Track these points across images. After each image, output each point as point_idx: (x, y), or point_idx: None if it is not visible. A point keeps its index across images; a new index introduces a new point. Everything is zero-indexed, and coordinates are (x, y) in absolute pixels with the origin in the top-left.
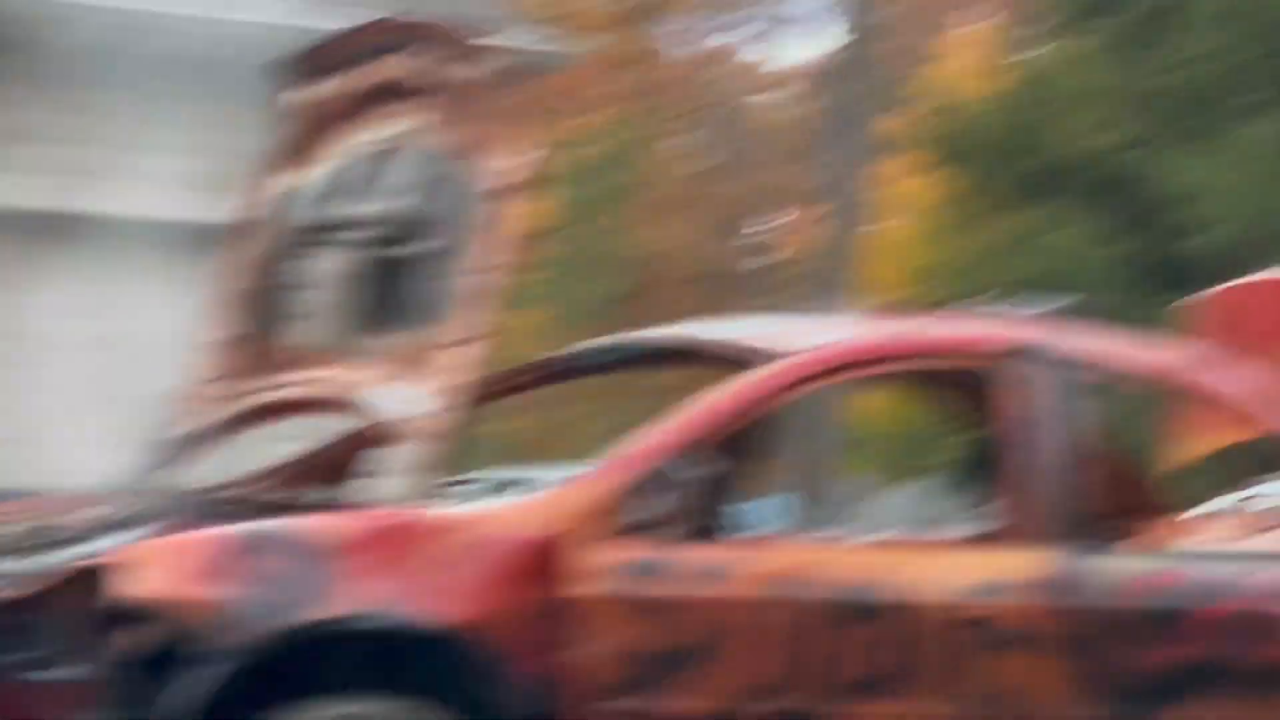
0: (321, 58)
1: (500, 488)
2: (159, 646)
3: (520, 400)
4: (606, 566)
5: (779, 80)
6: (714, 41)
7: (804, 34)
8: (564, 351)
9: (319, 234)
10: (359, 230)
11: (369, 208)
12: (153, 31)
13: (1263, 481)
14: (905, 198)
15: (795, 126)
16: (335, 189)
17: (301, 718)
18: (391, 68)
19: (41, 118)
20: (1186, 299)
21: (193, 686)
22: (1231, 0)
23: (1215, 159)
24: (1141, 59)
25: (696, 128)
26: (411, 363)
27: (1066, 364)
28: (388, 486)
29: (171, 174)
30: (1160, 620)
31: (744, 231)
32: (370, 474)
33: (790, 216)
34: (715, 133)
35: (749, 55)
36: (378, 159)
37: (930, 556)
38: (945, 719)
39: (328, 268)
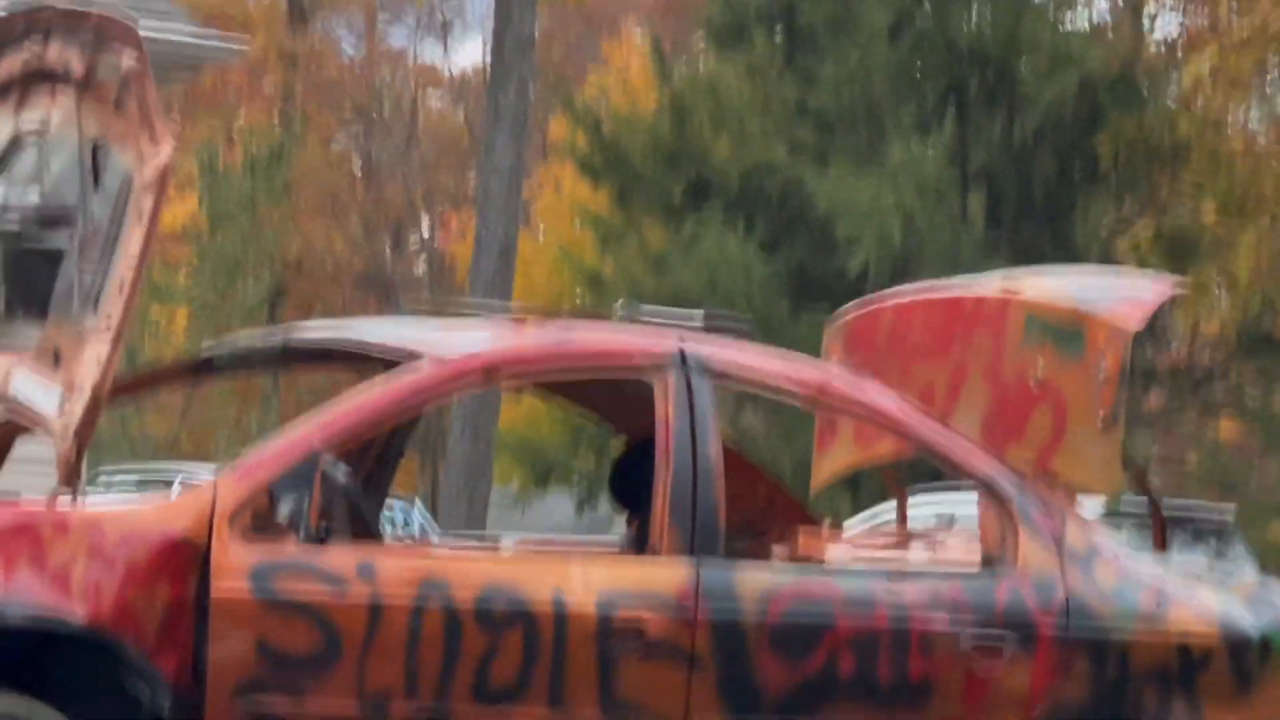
0: None
1: (141, 485)
2: None
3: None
4: (243, 565)
5: (448, 82)
6: (385, 43)
7: (471, 37)
8: (208, 346)
9: None
10: (7, 217)
11: (16, 195)
12: None
13: (923, 493)
14: (569, 204)
15: (461, 131)
16: None
17: None
18: (41, 54)
19: None
20: (830, 316)
21: None
22: (900, 16)
23: (866, 177)
24: (806, 73)
25: (362, 129)
26: (52, 355)
27: (719, 375)
28: (27, 480)
29: None
30: (798, 632)
31: (408, 236)
32: (7, 466)
33: (455, 220)
34: (381, 135)
35: (420, 57)
36: (23, 145)
37: (573, 564)
38: None
39: None
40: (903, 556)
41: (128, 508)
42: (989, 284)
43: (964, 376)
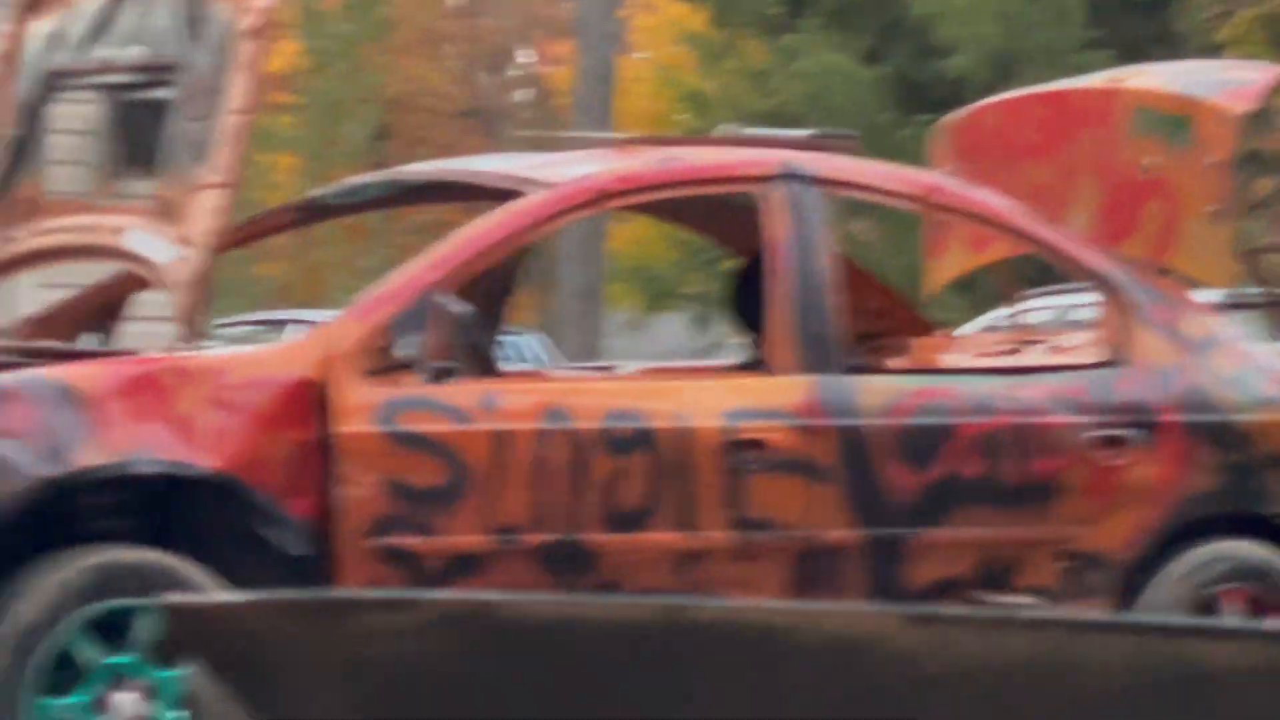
0: None
1: (257, 332)
2: None
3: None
4: (366, 405)
5: None
6: None
7: None
8: (322, 190)
9: (74, 79)
10: (112, 74)
11: (120, 52)
12: None
13: (1038, 295)
14: (667, 24)
15: None
16: (87, 33)
17: (49, 572)
18: None
19: None
20: (937, 122)
21: None
22: None
23: None
24: None
25: None
26: (168, 207)
27: (827, 185)
28: (151, 331)
29: None
30: (923, 437)
31: (508, 66)
32: (132, 319)
33: (554, 48)
34: None
35: None
36: (123, 3)
37: (696, 384)
38: (714, 545)
39: (83, 113)
40: (1021, 358)
41: (248, 354)
42: (1095, 81)
43: (1074, 174)
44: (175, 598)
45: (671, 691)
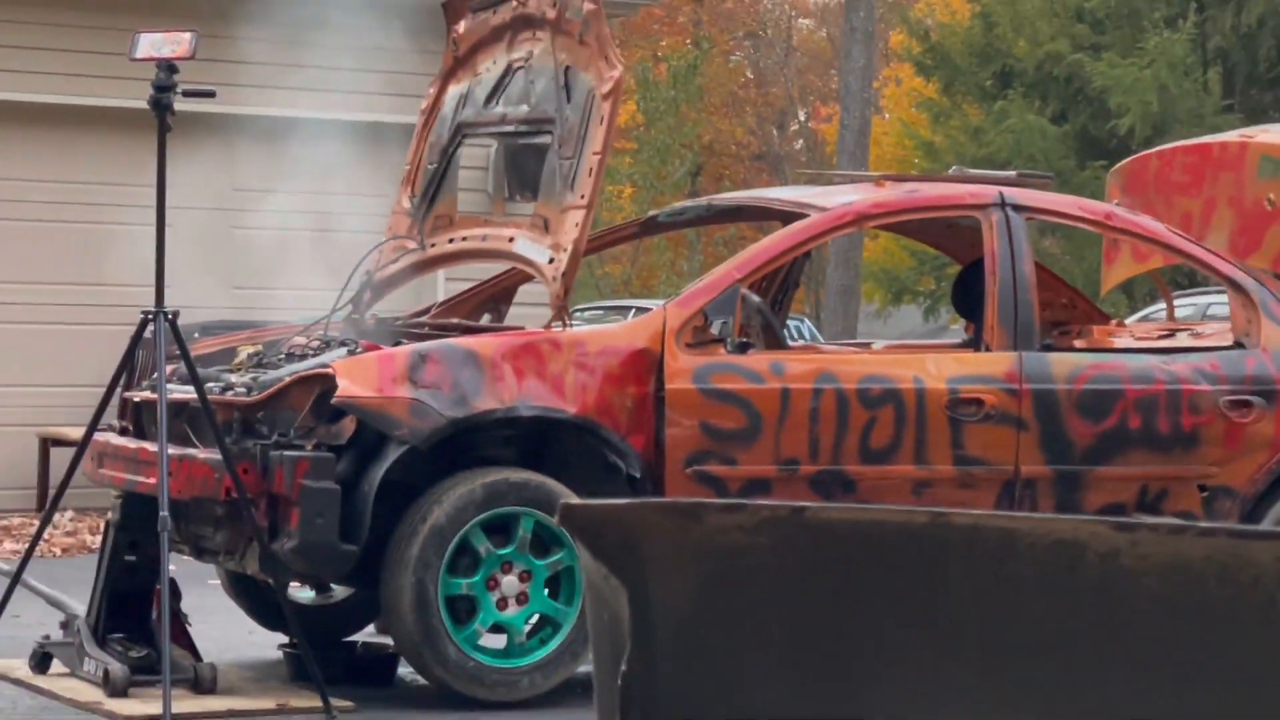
0: None
1: (606, 316)
2: (358, 433)
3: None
4: (687, 368)
5: (814, 7)
6: None
7: None
8: (654, 211)
9: (478, 129)
10: (505, 125)
11: (512, 109)
12: None
13: (1182, 295)
14: (907, 94)
15: (825, 44)
16: (488, 95)
17: (456, 487)
18: (527, 4)
19: (262, 48)
20: (1110, 167)
21: (380, 464)
22: None
23: (1130, 61)
24: None
25: (752, 46)
26: (542, 223)
27: (1029, 212)
28: (531, 313)
29: (351, 85)
30: (1098, 399)
31: (790, 123)
32: (518, 304)
33: (823, 110)
34: (766, 49)
35: None
36: (518, 72)
37: (930, 357)
38: (943, 479)
39: (485, 153)
40: (1173, 341)
41: (602, 330)
42: (1230, 136)
43: (1213, 206)
44: (571, 500)
45: (936, 580)
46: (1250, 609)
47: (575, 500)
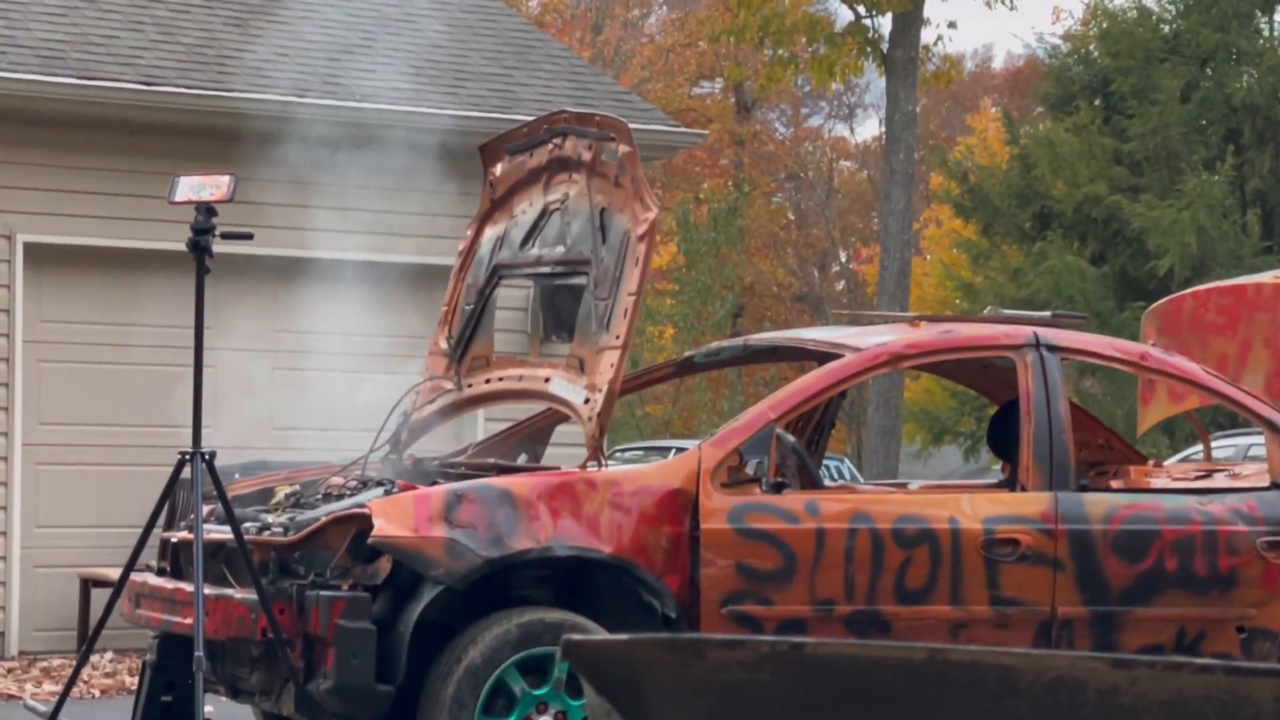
0: (508, 141)
1: (644, 456)
2: (394, 573)
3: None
4: (722, 508)
5: (854, 150)
6: (806, 124)
7: (870, 116)
8: (693, 351)
9: (514, 270)
10: (541, 267)
11: (548, 250)
12: (378, 125)
13: (1223, 436)
14: (947, 235)
15: (865, 185)
16: (524, 236)
17: (491, 627)
18: (560, 147)
19: (301, 191)
20: (1147, 307)
21: (416, 603)
22: (1189, 82)
23: (1168, 203)
24: (1119, 128)
25: (793, 187)
26: (578, 363)
27: (1064, 353)
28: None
29: (390, 228)
30: (1134, 540)
31: (831, 264)
32: (554, 444)
33: (864, 251)
34: (807, 191)
35: (832, 133)
36: (554, 214)
37: (965, 497)
38: (980, 619)
39: (521, 294)
40: (1210, 481)
41: (638, 470)
42: (1265, 277)
43: (1249, 346)
44: (574, 635)
45: (936, 717)
46: None
47: (577, 636)
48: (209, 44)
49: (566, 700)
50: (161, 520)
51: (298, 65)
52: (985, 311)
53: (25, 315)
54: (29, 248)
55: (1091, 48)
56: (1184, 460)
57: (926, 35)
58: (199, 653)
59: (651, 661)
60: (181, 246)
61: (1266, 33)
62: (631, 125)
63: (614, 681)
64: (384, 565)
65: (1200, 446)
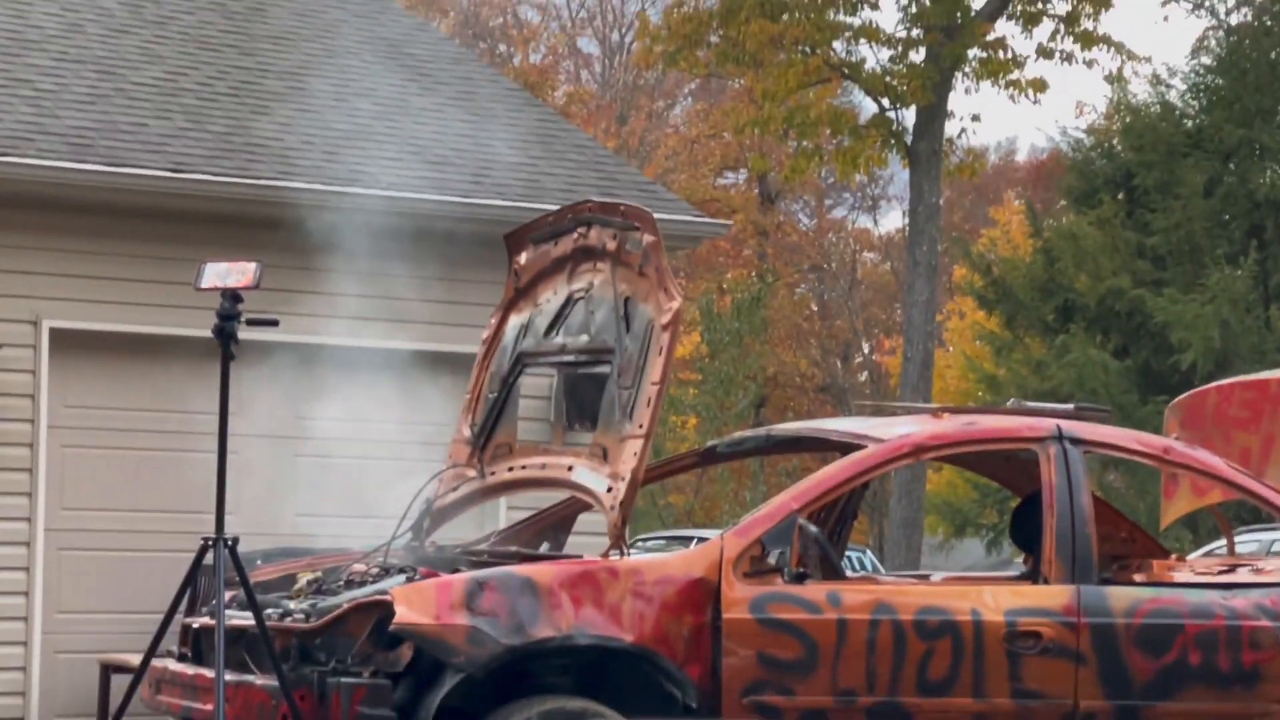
0: (533, 230)
1: (667, 545)
2: (416, 660)
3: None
4: (744, 598)
5: (878, 241)
6: (831, 215)
7: (893, 209)
8: (716, 441)
9: (537, 358)
10: (565, 355)
11: (572, 339)
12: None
13: (1246, 531)
14: (970, 327)
15: (889, 277)
16: (548, 325)
17: (513, 715)
18: (585, 236)
19: (315, 278)
20: (1170, 401)
21: (438, 691)
22: (1212, 177)
23: (1191, 297)
24: (1142, 222)
25: (817, 279)
26: (601, 452)
27: (1087, 445)
28: (590, 542)
29: (414, 315)
30: (1157, 634)
31: (854, 355)
32: (576, 532)
33: (887, 343)
34: (831, 282)
35: (856, 224)
36: (578, 302)
37: (987, 589)
38: (1000, 709)
39: (544, 382)
40: (1233, 576)
41: (660, 560)
42: None
43: (1272, 441)
44: None
45: None
46: None
47: None
48: (236, 131)
49: None
50: (183, 606)
51: (323, 153)
52: (1008, 404)
53: (50, 401)
54: (54, 333)
55: (1115, 141)
56: (1207, 555)
57: (950, 128)
58: None
59: None
60: (207, 333)
61: None
62: (656, 215)
63: None
64: (405, 652)
65: (1224, 541)
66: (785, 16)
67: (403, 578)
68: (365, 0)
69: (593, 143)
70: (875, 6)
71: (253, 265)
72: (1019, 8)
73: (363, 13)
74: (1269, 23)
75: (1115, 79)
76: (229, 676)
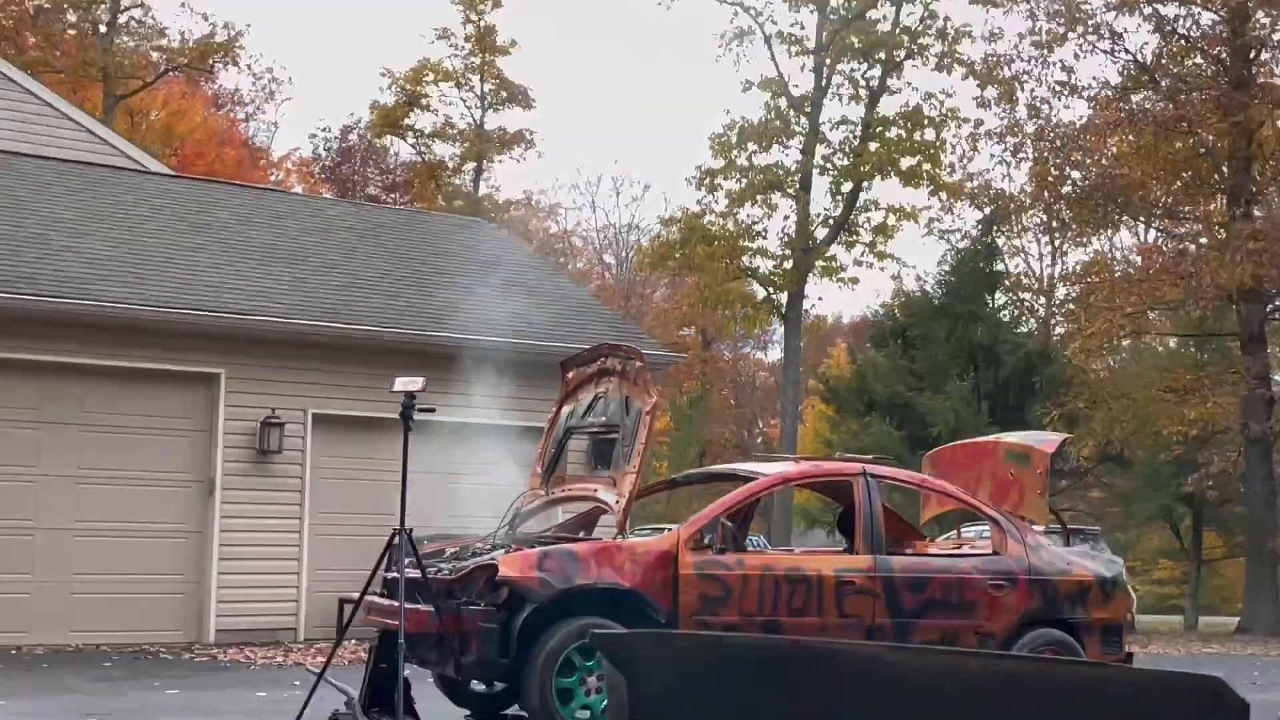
0: (576, 359)
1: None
2: (510, 601)
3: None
4: (691, 562)
5: (767, 366)
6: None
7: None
8: (674, 475)
9: (578, 430)
10: (593, 429)
11: (596, 419)
12: (502, 351)
13: (967, 525)
14: (818, 413)
15: (774, 385)
16: (584, 411)
17: (562, 627)
18: (606, 363)
19: (454, 385)
20: (925, 454)
21: (521, 614)
22: (948, 331)
23: (939, 397)
24: (911, 355)
25: (734, 385)
26: (612, 481)
27: (881, 479)
28: (604, 532)
29: (509, 405)
30: (923, 581)
31: (755, 428)
32: (601, 527)
33: (774, 421)
34: (742, 387)
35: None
36: (600, 400)
37: (825, 557)
38: (832, 625)
39: (582, 443)
40: (959, 550)
41: (645, 540)
42: (987, 439)
43: (981, 476)
44: (598, 630)
45: (799, 681)
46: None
47: (603, 630)
48: (399, 297)
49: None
50: (382, 566)
51: (461, 313)
52: (836, 455)
53: (312, 453)
54: (315, 416)
55: (896, 311)
56: (946, 539)
57: (806, 304)
58: (401, 640)
59: (639, 645)
60: (395, 415)
61: (989, 304)
62: (644, 351)
63: (619, 657)
64: (504, 593)
65: (955, 532)
66: (716, 243)
67: (503, 550)
68: (478, 228)
69: (610, 312)
70: (764, 237)
71: (420, 378)
72: (844, 238)
73: (482, 235)
74: (977, 246)
75: (896, 277)
76: (407, 606)
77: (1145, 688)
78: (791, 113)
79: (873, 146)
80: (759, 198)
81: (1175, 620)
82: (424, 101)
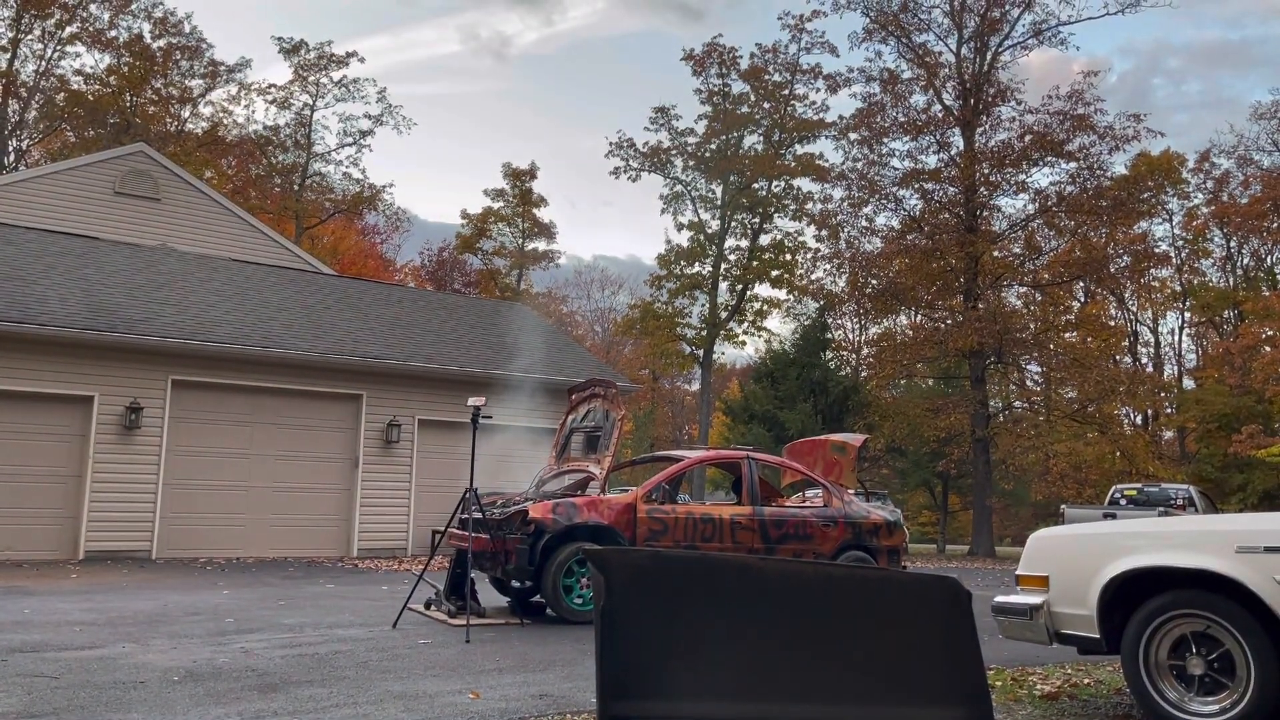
0: (576, 387)
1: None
2: (535, 532)
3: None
4: (645, 509)
5: (690, 395)
6: (675, 383)
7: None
8: (634, 458)
9: (577, 430)
10: (585, 430)
11: (587, 423)
12: (526, 382)
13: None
14: (723, 422)
15: (694, 404)
16: (580, 419)
17: (566, 548)
18: (594, 390)
19: (503, 403)
20: (785, 446)
21: (542, 540)
22: (800, 375)
23: (793, 412)
24: (777, 388)
25: (671, 406)
26: (596, 462)
27: (762, 464)
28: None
29: (536, 413)
30: (782, 522)
31: (684, 430)
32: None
33: (693, 427)
34: (675, 408)
35: (686, 387)
36: (590, 412)
37: (723, 508)
38: (728, 548)
39: (580, 438)
40: (802, 504)
41: (617, 496)
42: (821, 438)
43: (816, 459)
44: (587, 548)
45: (718, 586)
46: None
47: (591, 547)
48: (469, 350)
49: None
50: (459, 509)
51: (507, 359)
52: (731, 446)
53: (418, 443)
54: (420, 420)
55: (768, 360)
56: (796, 497)
57: (715, 357)
58: (469, 556)
59: (613, 557)
60: (467, 420)
61: (823, 358)
62: (617, 383)
63: (600, 563)
64: (532, 527)
65: (801, 494)
66: (661, 320)
67: (531, 502)
68: (519, 309)
69: (597, 360)
70: (690, 316)
71: (483, 398)
72: (737, 318)
73: (521, 313)
74: (815, 324)
75: (768, 341)
76: (474, 535)
77: (911, 583)
78: (707, 243)
79: (754, 264)
80: (687, 294)
81: (931, 547)
82: (489, 232)
